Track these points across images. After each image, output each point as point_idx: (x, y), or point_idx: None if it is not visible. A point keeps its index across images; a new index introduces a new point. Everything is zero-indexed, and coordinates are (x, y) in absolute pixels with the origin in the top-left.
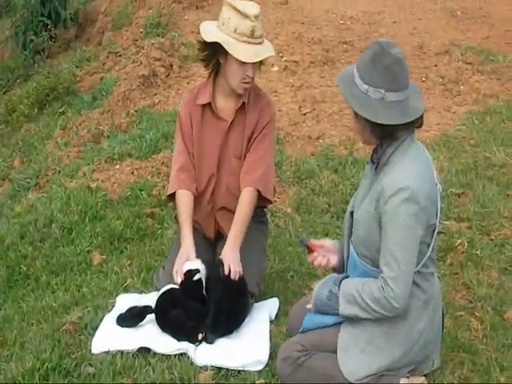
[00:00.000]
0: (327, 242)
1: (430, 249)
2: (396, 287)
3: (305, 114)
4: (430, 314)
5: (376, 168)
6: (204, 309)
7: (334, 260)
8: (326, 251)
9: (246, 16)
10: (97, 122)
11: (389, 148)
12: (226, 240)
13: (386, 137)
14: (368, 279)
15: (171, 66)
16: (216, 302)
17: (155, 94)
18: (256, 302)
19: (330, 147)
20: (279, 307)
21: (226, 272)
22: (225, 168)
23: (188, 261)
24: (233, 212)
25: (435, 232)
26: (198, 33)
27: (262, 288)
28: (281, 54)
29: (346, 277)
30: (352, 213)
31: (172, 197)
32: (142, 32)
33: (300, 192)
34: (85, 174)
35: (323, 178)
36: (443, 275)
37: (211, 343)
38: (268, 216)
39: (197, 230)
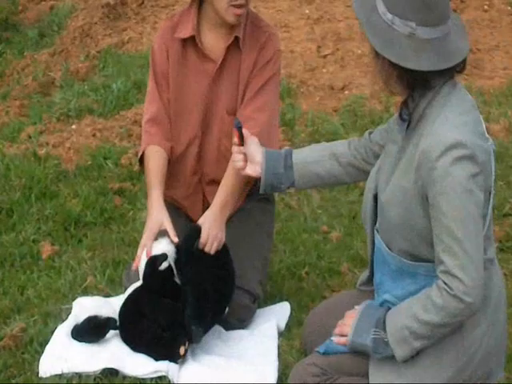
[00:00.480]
0: (253, 143)
1: (487, 224)
2: (465, 276)
3: (325, 57)
4: (489, 316)
5: (408, 127)
6: (178, 307)
7: (250, 170)
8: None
9: None
10: (45, 67)
11: (423, 98)
12: None
13: (417, 86)
14: (417, 296)
15: None
16: (194, 284)
17: (124, 30)
18: (260, 307)
19: (359, 100)
20: (290, 315)
21: (203, 244)
22: (214, 126)
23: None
24: None
25: (491, 200)
26: None
27: (267, 289)
28: None
29: (383, 303)
30: (376, 195)
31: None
32: None
33: None
34: (30, 137)
35: None
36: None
37: (198, 342)
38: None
39: (177, 211)
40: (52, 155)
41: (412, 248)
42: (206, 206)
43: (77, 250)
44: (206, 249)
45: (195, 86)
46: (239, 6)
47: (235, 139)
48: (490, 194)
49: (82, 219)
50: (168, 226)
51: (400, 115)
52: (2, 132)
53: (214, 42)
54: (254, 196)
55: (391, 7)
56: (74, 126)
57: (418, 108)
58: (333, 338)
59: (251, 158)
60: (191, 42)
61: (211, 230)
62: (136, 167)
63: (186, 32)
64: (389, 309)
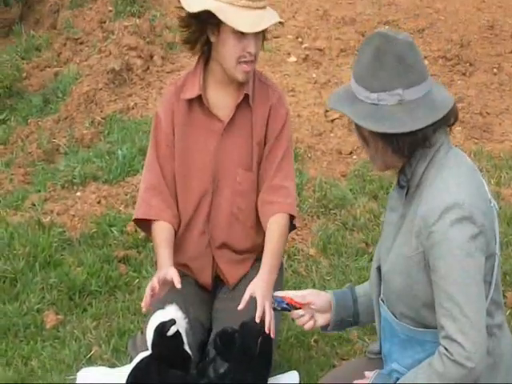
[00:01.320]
0: (315, 297)
1: (493, 289)
2: (466, 341)
3: (333, 121)
4: (500, 382)
5: (406, 194)
6: (189, 378)
7: (322, 320)
8: (313, 309)
9: None
10: (50, 134)
11: (420, 163)
12: (227, 290)
13: (416, 148)
14: (421, 365)
15: (151, 56)
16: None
17: (130, 95)
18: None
19: (368, 165)
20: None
21: (259, 318)
22: (226, 185)
23: (160, 311)
24: (239, 253)
25: (496, 265)
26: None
27: (275, 357)
28: (300, 40)
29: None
30: (379, 267)
31: (139, 222)
32: (110, 11)
33: (327, 226)
34: (34, 205)
35: (358, 207)
36: None
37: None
38: (284, 259)
39: (185, 277)
40: (56, 223)
41: (418, 315)
42: (214, 270)
43: (81, 319)
44: (266, 329)
45: (202, 145)
46: (248, 63)
47: (293, 312)
48: (494, 257)
49: (86, 288)
50: (174, 275)
51: (398, 182)
52: (6, 200)
53: (221, 100)
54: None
55: (373, 86)
56: (78, 194)
57: (416, 173)
58: None
59: (321, 310)
60: (197, 101)
61: (265, 300)
62: (141, 235)
63: (192, 92)
64: (397, 379)
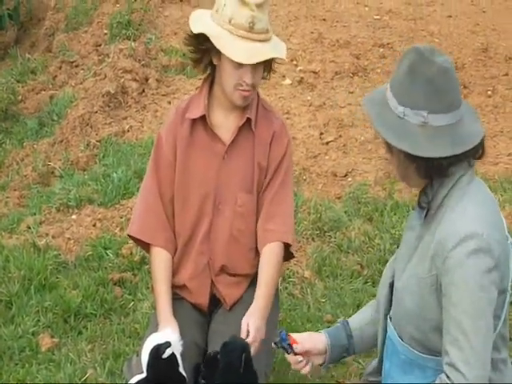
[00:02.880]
0: (312, 344)
1: (501, 324)
2: (469, 372)
3: (327, 143)
4: None
5: (426, 215)
6: None
7: (318, 361)
8: (309, 354)
9: (244, 3)
10: (45, 157)
11: (442, 188)
12: (224, 311)
13: (434, 174)
14: None
15: (146, 79)
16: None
17: (125, 118)
18: None
19: (363, 187)
20: None
21: (244, 334)
22: (226, 206)
23: (154, 332)
24: (237, 275)
25: (507, 301)
26: (183, 33)
27: (270, 380)
28: (295, 62)
29: None
30: (392, 283)
31: (133, 238)
32: (106, 34)
33: (322, 249)
34: (29, 228)
35: (353, 229)
36: None
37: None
38: (279, 281)
39: (181, 302)
40: (52, 246)
41: (424, 339)
42: (212, 293)
43: (76, 342)
44: (251, 343)
45: (203, 166)
46: (246, 91)
47: (291, 355)
48: (506, 293)
49: (81, 311)
50: (168, 319)
51: (419, 203)
52: (1, 223)
53: (224, 122)
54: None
55: (402, 100)
56: (73, 216)
57: (437, 197)
58: None
59: (315, 351)
60: (201, 121)
61: (257, 332)
62: (137, 257)
63: (196, 112)
64: None
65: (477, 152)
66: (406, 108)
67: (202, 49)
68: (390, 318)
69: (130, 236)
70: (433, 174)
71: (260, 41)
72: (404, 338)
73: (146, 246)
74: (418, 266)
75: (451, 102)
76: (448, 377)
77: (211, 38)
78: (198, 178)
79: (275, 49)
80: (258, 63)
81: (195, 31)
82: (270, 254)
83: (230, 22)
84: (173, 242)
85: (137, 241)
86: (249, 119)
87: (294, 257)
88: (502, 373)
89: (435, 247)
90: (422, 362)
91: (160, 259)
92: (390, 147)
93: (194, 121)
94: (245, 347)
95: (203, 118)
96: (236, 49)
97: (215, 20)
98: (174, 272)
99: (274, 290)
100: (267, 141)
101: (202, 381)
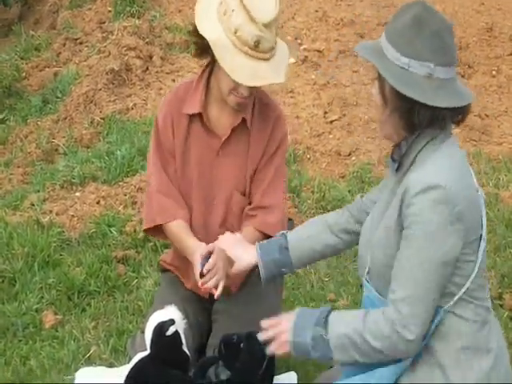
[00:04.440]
0: (232, 248)
1: (475, 272)
2: (410, 311)
3: (332, 122)
4: (485, 370)
5: (397, 169)
6: (187, 379)
7: (247, 262)
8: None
9: (252, 20)
10: (49, 134)
11: (416, 144)
12: (227, 297)
13: (432, 125)
14: (368, 310)
15: (150, 57)
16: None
17: (129, 96)
18: None
19: (366, 167)
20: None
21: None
22: (219, 203)
23: (157, 310)
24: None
25: (481, 248)
26: (188, 11)
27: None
28: (299, 41)
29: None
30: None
31: (151, 231)
32: (110, 11)
33: None
34: (33, 205)
35: None
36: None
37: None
38: None
39: (183, 285)
40: (55, 223)
41: None
42: None
43: (80, 319)
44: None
45: (199, 160)
46: (241, 97)
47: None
48: (480, 240)
49: (85, 288)
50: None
51: (392, 156)
52: (5, 200)
53: (220, 118)
54: None
55: (406, 51)
56: (77, 194)
57: (411, 153)
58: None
59: (237, 256)
60: (198, 117)
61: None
62: (140, 234)
63: (193, 108)
64: (329, 311)
65: (460, 114)
66: (410, 59)
67: (204, 44)
68: (368, 281)
69: (147, 230)
70: (433, 125)
71: (264, 59)
72: (383, 294)
73: (162, 236)
74: (389, 217)
75: (454, 56)
76: (391, 313)
77: (212, 47)
78: (193, 172)
79: (276, 69)
80: None
81: (200, 31)
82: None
83: (235, 32)
84: (189, 216)
85: (153, 231)
86: (244, 120)
87: None
88: (489, 320)
89: (402, 194)
90: None
91: (179, 225)
92: (384, 98)
93: (190, 116)
94: (266, 355)
95: (200, 114)
96: (236, 66)
97: (222, 23)
98: (177, 256)
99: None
100: (263, 142)
101: (220, 362)
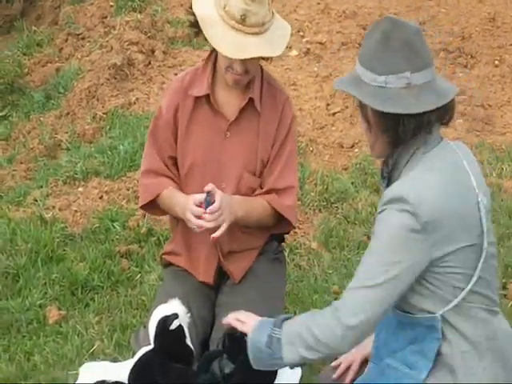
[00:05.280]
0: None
1: (473, 281)
2: (349, 298)
3: (334, 114)
4: (488, 365)
5: (387, 185)
6: (191, 372)
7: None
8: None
9: None
10: (52, 129)
11: (401, 158)
12: (232, 283)
13: (419, 132)
14: (318, 310)
15: (153, 51)
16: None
17: (131, 90)
18: None
19: (369, 158)
20: (301, 377)
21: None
22: (229, 184)
23: (161, 304)
24: (245, 250)
25: (482, 256)
26: (189, 5)
27: None
28: (301, 33)
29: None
30: None
31: (147, 208)
32: (112, 6)
33: (329, 220)
34: (36, 201)
35: (360, 200)
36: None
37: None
38: (285, 253)
39: (187, 273)
40: (58, 218)
41: (403, 300)
42: (218, 267)
43: (84, 314)
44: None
45: (206, 143)
46: (236, 73)
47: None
48: (481, 250)
49: (88, 283)
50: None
51: (381, 174)
52: (8, 196)
53: (227, 100)
54: (266, 255)
55: (381, 69)
56: (80, 189)
57: (398, 167)
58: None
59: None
60: (205, 99)
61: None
62: (143, 229)
63: (200, 90)
64: (290, 316)
65: (446, 114)
66: (387, 76)
67: (197, 25)
68: None
69: (142, 208)
70: (420, 131)
71: (252, 34)
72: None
73: (159, 211)
74: None
75: (428, 57)
76: (335, 302)
77: (201, 24)
78: (200, 155)
79: (270, 43)
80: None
81: (193, 8)
82: (262, 203)
83: (224, 7)
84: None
85: (149, 209)
86: (252, 100)
87: (293, 228)
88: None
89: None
90: (407, 320)
91: (169, 190)
92: (368, 122)
93: (197, 98)
94: None
95: (207, 96)
96: (223, 41)
97: (216, 1)
98: (181, 244)
99: (253, 213)
100: (275, 123)
101: (225, 355)
